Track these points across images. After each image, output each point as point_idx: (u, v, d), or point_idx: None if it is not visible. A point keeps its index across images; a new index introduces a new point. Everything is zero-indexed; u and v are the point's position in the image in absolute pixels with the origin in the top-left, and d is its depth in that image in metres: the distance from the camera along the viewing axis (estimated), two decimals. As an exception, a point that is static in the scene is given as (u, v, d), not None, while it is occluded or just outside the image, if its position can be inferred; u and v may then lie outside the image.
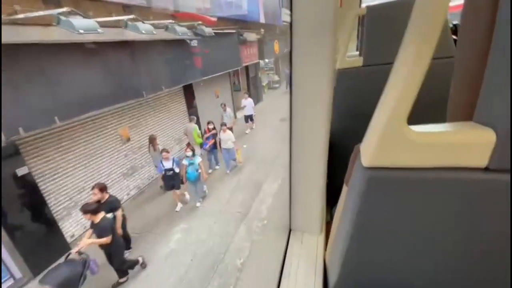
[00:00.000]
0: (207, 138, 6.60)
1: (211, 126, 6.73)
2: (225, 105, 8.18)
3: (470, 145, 0.30)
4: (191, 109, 7.96)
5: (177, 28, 5.55)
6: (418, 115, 0.36)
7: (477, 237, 0.33)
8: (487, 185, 0.30)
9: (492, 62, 0.30)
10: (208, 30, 5.82)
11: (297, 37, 0.69)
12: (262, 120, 10.46)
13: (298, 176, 0.84)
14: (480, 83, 0.31)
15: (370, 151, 0.33)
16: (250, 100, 9.24)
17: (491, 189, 0.30)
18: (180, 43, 6.20)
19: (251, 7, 10.80)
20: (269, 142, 8.45)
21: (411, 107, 0.30)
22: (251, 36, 10.69)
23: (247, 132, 9.49)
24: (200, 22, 5.74)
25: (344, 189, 0.48)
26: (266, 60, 15.37)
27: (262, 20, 12.33)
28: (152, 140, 5.81)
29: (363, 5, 1.33)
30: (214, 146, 6.73)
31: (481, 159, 0.30)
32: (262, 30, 12.02)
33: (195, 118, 7.54)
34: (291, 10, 0.68)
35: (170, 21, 5.72)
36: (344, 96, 1.08)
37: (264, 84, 15.48)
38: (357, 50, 1.58)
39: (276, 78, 16.61)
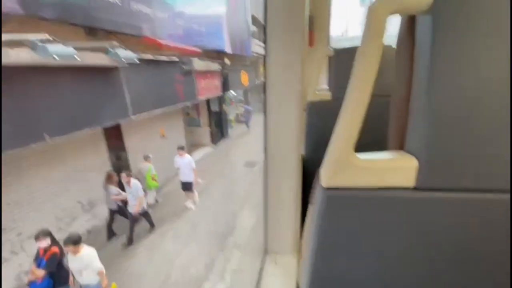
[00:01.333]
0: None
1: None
2: (129, 174, 4.92)
3: (401, 169, 0.36)
4: (118, 160, 5.85)
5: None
6: (366, 145, 0.44)
7: (415, 247, 0.38)
8: (416, 201, 0.36)
9: (413, 99, 0.36)
10: (127, 55, 3.99)
11: (270, 69, 0.76)
12: (221, 168, 8.55)
13: (272, 200, 0.91)
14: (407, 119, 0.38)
15: (326, 174, 0.39)
16: (188, 158, 6.05)
17: (420, 204, 0.36)
18: (92, 72, 4.33)
19: (213, 35, 9.42)
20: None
21: (356, 137, 0.37)
22: (211, 65, 9.12)
23: (188, 207, 6.23)
24: (115, 43, 3.92)
25: (310, 208, 0.57)
26: (232, 92, 13.93)
27: (228, 49, 11.02)
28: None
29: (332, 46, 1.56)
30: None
31: (410, 181, 0.36)
32: (227, 60, 10.62)
33: (150, 157, 5.99)
34: (265, 45, 0.74)
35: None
36: (315, 126, 1.18)
37: (231, 118, 13.87)
38: (328, 84, 1.70)
39: (250, 108, 15.14)
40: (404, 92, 0.38)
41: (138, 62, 4.27)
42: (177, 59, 5.66)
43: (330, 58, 1.28)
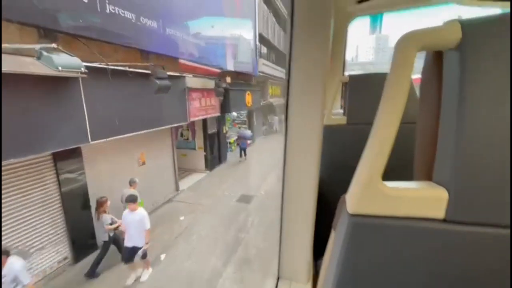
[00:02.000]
0: None
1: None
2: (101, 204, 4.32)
3: (430, 200, 0.36)
4: (69, 196, 4.61)
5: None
6: (391, 172, 0.42)
7: (441, 280, 0.37)
8: (445, 234, 0.35)
9: (441, 130, 0.36)
10: (68, 62, 2.87)
11: (292, 93, 0.76)
12: (209, 201, 7.19)
13: (289, 225, 0.89)
14: (436, 148, 0.37)
15: (353, 200, 0.39)
16: (140, 214, 4.08)
17: (449, 237, 0.35)
18: (33, 84, 3.27)
19: (212, 50, 8.53)
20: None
21: (384, 165, 0.36)
22: (208, 83, 8.12)
23: (129, 283, 4.23)
24: (54, 45, 2.86)
25: (332, 234, 0.52)
26: (234, 114, 12.91)
27: (229, 67, 10.12)
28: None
29: (346, 73, 1.70)
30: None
31: (439, 212, 0.35)
32: (229, 78, 9.66)
33: (136, 181, 5.07)
34: (288, 72, 0.76)
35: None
36: (330, 150, 1.18)
37: (231, 140, 12.72)
38: (341, 108, 1.75)
39: (248, 132, 14.01)
40: (430, 122, 0.38)
41: (85, 71, 3.15)
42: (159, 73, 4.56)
43: (345, 84, 1.31)
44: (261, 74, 14.90)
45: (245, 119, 14.25)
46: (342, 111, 1.60)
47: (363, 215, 0.37)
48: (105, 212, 4.35)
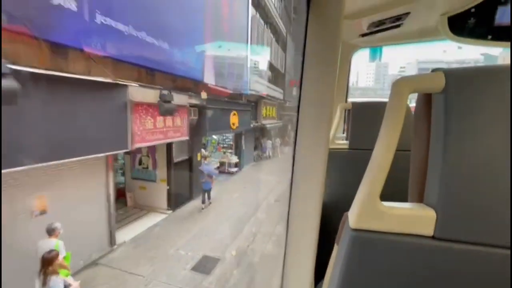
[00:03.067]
0: None
1: None
2: None
3: (421, 219, 0.40)
4: None
5: None
6: (390, 193, 0.48)
7: None
8: (433, 249, 0.40)
9: (430, 159, 0.42)
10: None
11: (302, 119, 0.80)
12: (153, 268, 4.75)
13: (293, 244, 0.91)
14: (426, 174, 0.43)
15: (354, 216, 0.43)
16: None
17: (437, 253, 0.40)
18: None
19: (186, 57, 6.62)
20: None
21: (381, 186, 0.42)
22: (181, 98, 6.06)
23: None
24: None
25: (335, 248, 0.56)
26: (215, 137, 10.84)
27: (209, 80, 8.20)
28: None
29: (349, 100, 1.81)
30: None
31: (428, 230, 0.40)
32: (204, 93, 7.67)
33: (57, 228, 3.64)
34: (299, 97, 0.80)
35: None
36: (332, 173, 1.20)
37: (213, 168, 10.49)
38: (343, 132, 1.84)
39: (234, 159, 11.81)
40: (422, 151, 0.44)
41: None
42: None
43: (348, 110, 1.37)
44: (253, 92, 13.05)
45: (231, 142, 12.15)
46: (344, 135, 1.69)
47: (363, 230, 0.42)
48: (55, 273, 3.27)
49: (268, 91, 15.50)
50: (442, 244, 0.39)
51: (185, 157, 8.05)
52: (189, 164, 8.22)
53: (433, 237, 0.40)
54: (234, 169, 11.73)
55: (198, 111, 7.85)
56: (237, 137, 12.23)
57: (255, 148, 15.73)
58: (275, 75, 19.33)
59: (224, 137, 12.02)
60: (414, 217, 0.41)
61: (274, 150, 16.97)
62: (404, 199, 0.46)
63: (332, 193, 1.23)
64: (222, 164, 11.72)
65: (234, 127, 10.28)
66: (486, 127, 0.37)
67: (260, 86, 14.09)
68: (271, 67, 17.27)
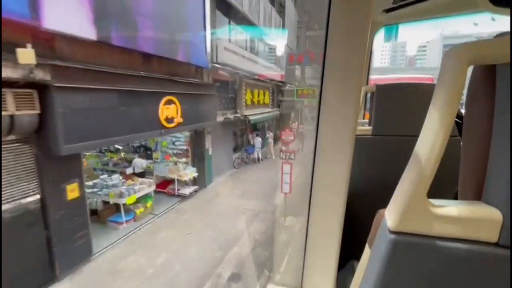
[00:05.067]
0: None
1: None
2: None
3: (483, 222, 0.33)
4: None
5: None
6: (433, 188, 0.38)
7: None
8: (497, 258, 0.33)
9: (493, 148, 0.34)
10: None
11: (324, 104, 0.74)
12: None
13: (315, 236, 0.85)
14: (486, 166, 0.35)
15: (394, 217, 0.36)
16: None
17: (500, 262, 0.33)
18: None
19: None
20: None
21: (430, 181, 0.34)
22: None
23: None
24: None
25: (367, 251, 0.49)
26: (159, 138, 6.44)
27: (84, 33, 3.69)
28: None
29: (372, 80, 1.65)
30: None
31: (491, 235, 0.33)
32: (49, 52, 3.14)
33: None
34: (322, 78, 0.73)
35: None
36: (355, 160, 1.01)
37: (145, 193, 6.04)
38: (363, 118, 1.69)
39: (188, 173, 7.31)
40: (479, 139, 0.36)
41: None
42: None
43: (371, 94, 1.25)
44: (227, 69, 8.39)
45: (184, 146, 7.61)
46: (364, 120, 1.60)
47: (406, 233, 0.35)
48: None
49: (252, 68, 10.77)
50: (507, 253, 0.32)
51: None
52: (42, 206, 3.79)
53: (497, 244, 0.33)
54: (189, 190, 7.28)
55: (39, 97, 3.36)
56: (196, 138, 7.69)
57: (237, 148, 11.19)
58: (269, 49, 14.45)
59: (175, 139, 7.51)
60: (472, 219, 0.33)
61: (265, 149, 12.40)
62: (451, 195, 0.39)
63: (355, 182, 1.01)
64: (168, 182, 7.30)
65: (171, 124, 5.73)
66: None
67: (237, 58, 9.37)
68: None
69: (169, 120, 5.64)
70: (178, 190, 7.20)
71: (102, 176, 6.05)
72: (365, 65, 1.45)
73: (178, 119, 5.90)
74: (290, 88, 15.77)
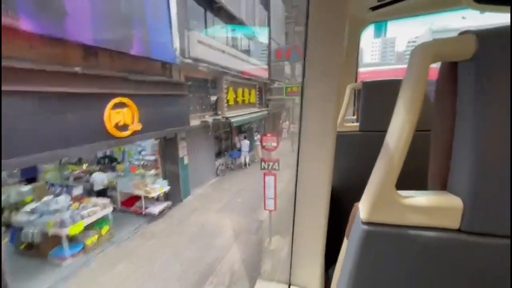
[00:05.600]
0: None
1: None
2: None
3: (445, 210, 0.34)
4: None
5: None
6: (405, 180, 0.41)
7: None
8: (460, 244, 0.34)
9: (456, 141, 0.35)
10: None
11: (306, 101, 0.75)
12: None
13: (300, 232, 0.86)
14: (451, 158, 0.36)
15: (366, 208, 0.37)
16: None
17: (463, 248, 0.34)
18: None
19: None
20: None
21: (398, 173, 0.35)
22: None
23: None
24: None
25: (345, 242, 0.51)
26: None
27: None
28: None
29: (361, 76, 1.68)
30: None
31: (454, 222, 0.34)
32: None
33: None
34: (303, 77, 0.74)
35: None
36: (342, 157, 1.14)
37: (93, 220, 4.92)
38: (353, 115, 1.71)
39: (157, 187, 6.19)
40: (445, 131, 0.37)
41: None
42: None
43: (358, 90, 1.27)
44: (196, 63, 7.29)
45: (153, 156, 6.49)
46: (354, 117, 1.62)
47: (376, 223, 0.37)
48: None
49: (235, 64, 9.70)
50: (470, 238, 0.34)
51: None
52: None
53: (459, 230, 0.34)
54: (159, 207, 6.18)
55: None
56: (167, 146, 6.59)
57: (221, 153, 10.12)
58: (262, 48, 13.39)
59: (140, 148, 6.39)
60: (436, 208, 0.35)
61: (253, 153, 11.35)
62: (422, 187, 0.39)
63: (342, 178, 1.17)
64: (136, 198, 6.19)
65: (124, 132, 4.63)
66: None
67: (216, 54, 8.29)
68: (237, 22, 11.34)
69: (121, 127, 4.54)
70: (146, 208, 6.09)
71: (45, 199, 4.91)
72: (352, 63, 1.62)
73: (135, 126, 4.80)
74: (279, 86, 14.76)
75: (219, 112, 9.02)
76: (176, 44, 6.27)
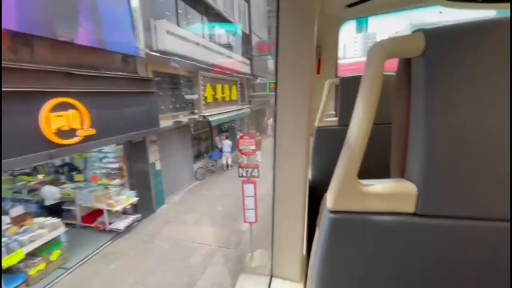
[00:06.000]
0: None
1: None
2: None
3: (401, 195, 0.37)
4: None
5: None
6: (371, 170, 0.45)
7: (415, 271, 0.38)
8: (416, 226, 0.37)
9: (411, 131, 0.37)
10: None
11: (280, 99, 0.77)
12: None
13: (280, 223, 0.90)
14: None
15: (332, 198, 0.39)
16: None
17: (419, 230, 0.37)
18: None
19: None
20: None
21: (359, 163, 0.37)
22: None
23: None
24: None
25: (316, 231, 0.53)
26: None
27: None
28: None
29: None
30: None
31: (410, 207, 0.36)
32: None
33: None
34: (276, 76, 0.76)
35: None
36: (322, 151, 1.21)
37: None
38: (334, 110, 1.79)
39: (123, 199, 5.40)
40: (403, 123, 0.39)
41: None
42: None
43: (336, 85, 1.30)
44: (165, 57, 6.48)
45: (117, 164, 5.66)
46: (332, 112, 1.67)
47: (341, 211, 0.38)
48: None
49: (213, 59, 8.93)
50: (425, 221, 0.36)
51: None
52: None
53: (414, 214, 0.36)
54: (125, 222, 5.41)
55: None
56: (133, 151, 5.78)
57: (199, 156, 9.38)
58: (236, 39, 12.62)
59: (101, 155, 5.55)
60: (394, 194, 0.37)
61: (234, 153, 10.68)
62: (387, 176, 0.42)
63: (321, 172, 1.20)
64: (97, 213, 5.38)
65: (71, 139, 3.82)
66: (471, 92, 0.32)
67: (189, 46, 7.49)
68: (220, 19, 10.54)
69: (66, 133, 3.74)
70: (110, 223, 5.31)
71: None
72: (331, 58, 1.68)
73: (85, 131, 4.00)
74: (262, 82, 14.13)
75: (196, 111, 8.26)
76: (140, 34, 5.46)
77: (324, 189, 0.42)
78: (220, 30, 10.65)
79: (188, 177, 8.23)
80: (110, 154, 5.37)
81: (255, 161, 7.81)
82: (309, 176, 1.25)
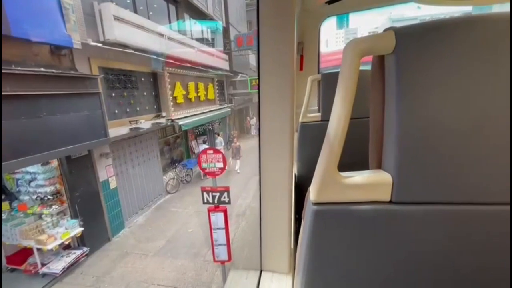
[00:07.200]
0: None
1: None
2: None
3: (378, 185, 0.39)
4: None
5: None
6: (352, 163, 0.48)
7: (395, 257, 0.40)
8: (392, 213, 0.39)
9: (385, 124, 0.39)
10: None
11: (262, 97, 0.78)
12: None
13: (267, 218, 0.92)
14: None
15: (314, 190, 0.41)
16: None
17: (396, 216, 0.39)
18: None
19: None
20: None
21: (338, 156, 0.39)
22: None
23: None
24: None
25: (302, 224, 0.54)
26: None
27: None
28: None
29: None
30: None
31: (386, 195, 0.39)
32: None
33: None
34: (258, 74, 0.76)
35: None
36: (306, 145, 1.23)
37: None
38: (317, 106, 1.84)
39: (58, 234, 4.21)
40: (379, 117, 0.41)
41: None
42: None
43: (319, 81, 1.33)
44: (116, 49, 5.25)
45: (52, 187, 4.45)
46: (316, 108, 1.72)
47: (323, 203, 0.40)
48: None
49: (180, 52, 7.73)
50: (400, 208, 0.38)
51: None
52: None
53: (390, 202, 0.39)
54: (64, 262, 4.20)
55: None
56: (75, 169, 4.56)
57: (172, 162, 8.19)
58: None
59: (29, 176, 4.31)
60: (371, 184, 0.39)
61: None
62: (367, 168, 0.44)
63: (306, 167, 1.21)
64: (28, 251, 4.14)
65: None
66: (440, 86, 0.34)
67: (147, 36, 6.27)
68: (194, 9, 9.32)
69: None
70: (43, 265, 4.09)
71: None
72: (313, 54, 1.72)
73: None
74: (243, 79, 13.05)
75: (164, 114, 7.08)
76: (78, 20, 4.24)
77: (310, 183, 0.43)
78: (194, 23, 9.45)
79: (158, 190, 7.05)
80: (39, 175, 4.12)
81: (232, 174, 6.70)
82: (295, 171, 1.30)
